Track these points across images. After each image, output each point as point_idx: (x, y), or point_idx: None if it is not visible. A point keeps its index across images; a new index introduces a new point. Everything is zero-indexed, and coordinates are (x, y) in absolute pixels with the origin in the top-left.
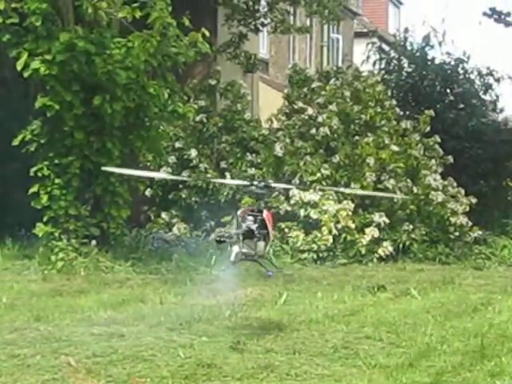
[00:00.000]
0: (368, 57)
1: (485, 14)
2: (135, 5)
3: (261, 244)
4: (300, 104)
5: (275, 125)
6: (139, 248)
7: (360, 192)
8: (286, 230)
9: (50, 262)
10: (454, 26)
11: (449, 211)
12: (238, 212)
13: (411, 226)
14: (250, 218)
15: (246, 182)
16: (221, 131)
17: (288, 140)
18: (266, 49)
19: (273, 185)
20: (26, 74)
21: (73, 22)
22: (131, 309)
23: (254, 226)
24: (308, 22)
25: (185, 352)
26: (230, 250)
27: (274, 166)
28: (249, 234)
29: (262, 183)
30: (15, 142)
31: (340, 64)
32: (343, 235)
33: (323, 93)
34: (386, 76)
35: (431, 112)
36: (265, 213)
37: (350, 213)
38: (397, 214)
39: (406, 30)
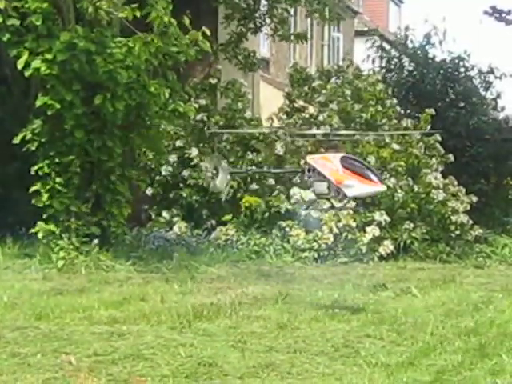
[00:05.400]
0: (368, 55)
1: (486, 12)
2: (135, 5)
3: None
4: (301, 103)
5: (276, 123)
6: (140, 247)
7: None
8: (287, 229)
9: (50, 260)
10: (455, 25)
11: (449, 210)
12: None
13: (412, 225)
14: None
15: None
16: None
17: (289, 139)
18: (266, 48)
19: None
20: (26, 74)
21: (73, 21)
22: (132, 307)
23: None
24: (308, 21)
25: (185, 351)
26: None
27: (274, 165)
28: None
29: None
30: (16, 141)
31: (341, 63)
32: (344, 234)
33: (324, 91)
34: (386, 75)
35: (432, 110)
36: None
37: (351, 211)
38: (398, 213)
39: (407, 28)
